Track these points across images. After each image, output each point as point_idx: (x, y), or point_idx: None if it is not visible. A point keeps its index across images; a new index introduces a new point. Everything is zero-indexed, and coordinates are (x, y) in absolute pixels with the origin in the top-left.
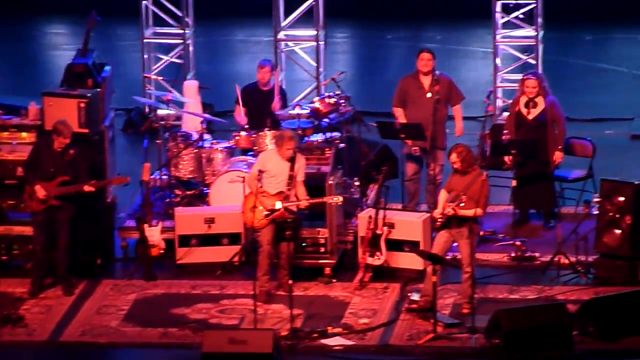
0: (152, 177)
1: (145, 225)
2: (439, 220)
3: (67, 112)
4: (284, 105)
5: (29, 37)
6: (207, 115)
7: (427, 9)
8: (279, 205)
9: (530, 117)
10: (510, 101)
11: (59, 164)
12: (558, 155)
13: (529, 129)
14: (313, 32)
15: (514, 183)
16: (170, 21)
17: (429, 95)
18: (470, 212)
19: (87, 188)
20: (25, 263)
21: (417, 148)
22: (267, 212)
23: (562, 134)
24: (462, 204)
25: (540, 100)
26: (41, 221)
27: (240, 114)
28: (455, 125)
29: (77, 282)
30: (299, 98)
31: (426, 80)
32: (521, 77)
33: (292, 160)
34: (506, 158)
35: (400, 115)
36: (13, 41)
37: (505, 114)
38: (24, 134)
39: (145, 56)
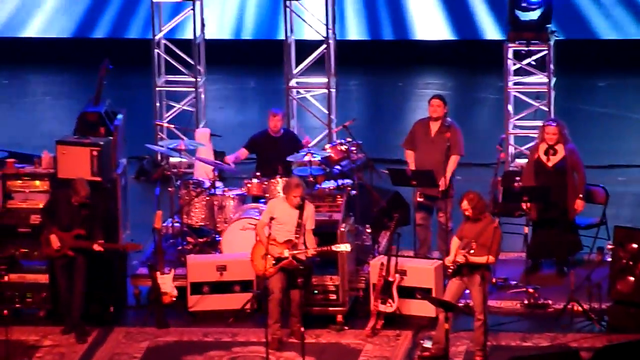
0: (164, 224)
1: (158, 273)
2: (451, 267)
3: (80, 160)
4: (298, 149)
5: (43, 85)
6: (219, 163)
7: (438, 56)
8: (286, 253)
9: (550, 164)
10: (526, 147)
11: (75, 217)
12: (579, 204)
13: (548, 177)
14: (324, 80)
15: (525, 230)
16: (182, 69)
17: (433, 141)
18: (482, 259)
19: (96, 247)
20: (38, 311)
21: (422, 197)
22: (274, 261)
23: (583, 182)
24: (472, 251)
25: (560, 148)
26: (61, 265)
27: (237, 156)
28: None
29: (90, 330)
30: (310, 145)
31: (434, 126)
32: (541, 124)
33: (301, 208)
34: (524, 205)
35: (409, 157)
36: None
37: (518, 160)
38: (37, 182)
39: (157, 104)
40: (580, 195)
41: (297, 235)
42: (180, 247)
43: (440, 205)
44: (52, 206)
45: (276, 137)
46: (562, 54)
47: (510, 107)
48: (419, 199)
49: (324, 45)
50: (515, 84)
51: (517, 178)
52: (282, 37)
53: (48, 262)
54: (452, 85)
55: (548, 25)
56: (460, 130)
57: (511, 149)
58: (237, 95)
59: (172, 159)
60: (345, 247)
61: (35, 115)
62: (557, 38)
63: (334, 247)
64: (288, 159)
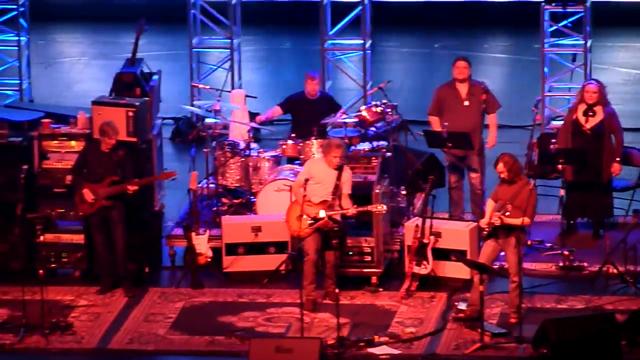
0: (199, 185)
1: (193, 234)
2: (486, 229)
3: (115, 120)
4: (336, 110)
5: (79, 45)
6: (254, 124)
7: (474, 17)
8: (322, 214)
9: (587, 126)
10: (561, 109)
11: (107, 164)
12: (616, 167)
13: (585, 138)
14: (360, 41)
15: (561, 192)
16: (218, 30)
17: (466, 103)
18: (517, 221)
19: (130, 187)
20: (74, 271)
21: (451, 158)
22: (311, 221)
23: (620, 146)
24: (507, 213)
25: (599, 110)
26: (97, 223)
27: (269, 116)
28: (489, 134)
29: (128, 289)
30: (346, 107)
31: (463, 88)
32: (582, 85)
33: (339, 169)
34: (559, 167)
35: (435, 124)
36: (63, 50)
37: (554, 122)
38: (73, 143)
39: (193, 65)
40: (618, 159)
41: (334, 197)
42: (215, 208)
43: (473, 167)
44: (81, 163)
45: (313, 100)
46: (598, 15)
47: (546, 69)
48: (449, 160)
49: (360, 6)
50: (551, 45)
51: (553, 140)
52: None
53: (84, 222)
54: (488, 47)
55: None
56: (487, 86)
57: (547, 111)
58: (273, 56)
59: (207, 120)
60: (382, 208)
61: (71, 76)
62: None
63: (371, 208)
64: (323, 121)
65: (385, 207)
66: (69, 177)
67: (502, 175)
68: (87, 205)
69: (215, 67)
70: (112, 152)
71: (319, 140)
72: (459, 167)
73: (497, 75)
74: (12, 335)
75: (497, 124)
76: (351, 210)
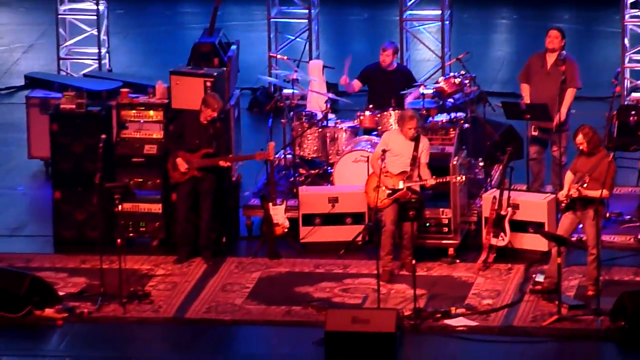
0: (276, 156)
1: (270, 204)
2: (564, 201)
3: (193, 90)
4: (409, 83)
5: (158, 16)
6: (331, 95)
7: None
8: (401, 185)
9: None
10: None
11: (203, 136)
12: None
13: None
14: (438, 12)
15: None
16: (296, 0)
17: (548, 73)
18: (596, 193)
19: (222, 163)
20: (152, 241)
21: (536, 130)
22: (389, 192)
23: None
24: (585, 185)
25: None
26: (185, 192)
27: (352, 86)
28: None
29: (208, 257)
30: (423, 78)
31: (551, 59)
32: None
33: (416, 140)
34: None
35: (524, 90)
36: (142, 20)
37: (634, 94)
38: (151, 112)
39: (271, 35)
40: None
41: (412, 168)
42: (292, 179)
43: (555, 139)
44: (178, 130)
45: (389, 71)
46: None
47: (626, 41)
48: (533, 133)
49: None
50: (632, 17)
51: (633, 112)
52: None
53: (163, 192)
54: (569, 18)
55: None
56: (576, 63)
57: (627, 83)
58: (351, 26)
59: (285, 91)
60: (460, 178)
61: (150, 46)
62: None
63: (450, 178)
64: (401, 93)
65: (464, 177)
66: (147, 147)
67: (581, 147)
68: (179, 174)
69: (293, 38)
70: (209, 124)
71: (396, 111)
72: (542, 139)
73: (578, 46)
74: (90, 303)
75: (572, 101)
76: (430, 181)
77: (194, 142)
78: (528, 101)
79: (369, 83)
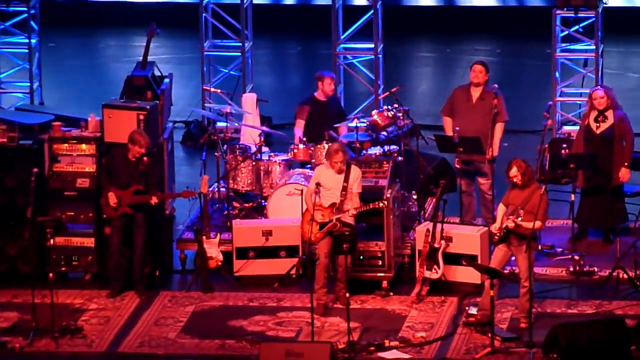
0: (210, 189)
1: (204, 238)
2: (497, 234)
3: (126, 124)
4: (342, 116)
5: (91, 49)
6: (265, 128)
7: (485, 22)
8: (331, 218)
9: (598, 131)
10: (573, 114)
11: (133, 173)
12: (624, 172)
13: (595, 144)
14: (371, 45)
15: (572, 197)
16: (229, 34)
17: (475, 107)
18: (529, 225)
19: (153, 201)
20: (84, 274)
21: (459, 164)
22: (320, 226)
23: (630, 150)
24: (519, 218)
25: (610, 114)
26: (118, 226)
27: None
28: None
29: (141, 291)
30: (356, 111)
31: (475, 93)
32: (589, 91)
33: (346, 171)
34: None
35: (447, 124)
36: (74, 53)
37: (565, 127)
38: (84, 146)
39: (204, 68)
40: (626, 164)
41: (342, 198)
42: (226, 212)
43: (483, 171)
44: (109, 165)
45: (323, 102)
46: (609, 21)
47: (557, 74)
48: (457, 166)
49: (371, 11)
50: (562, 50)
51: (564, 145)
52: (329, 1)
53: (95, 225)
54: (499, 52)
55: None
56: (502, 97)
57: (558, 116)
58: (284, 60)
59: (218, 124)
60: (384, 203)
61: (82, 79)
62: (605, 5)
63: (373, 205)
64: (339, 125)
65: (387, 202)
66: (79, 180)
67: (515, 180)
68: (111, 210)
69: (226, 71)
70: (138, 160)
71: (330, 144)
72: (469, 171)
73: (509, 79)
74: (22, 338)
75: (505, 130)
76: (351, 211)
77: (124, 179)
78: (450, 134)
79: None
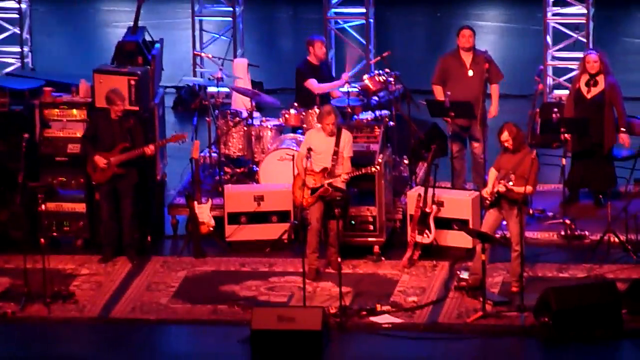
0: (201, 154)
1: (195, 203)
2: (489, 198)
3: (119, 88)
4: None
5: (81, 14)
6: (256, 93)
7: None
8: (323, 182)
9: (588, 96)
10: (564, 79)
11: (118, 132)
12: (623, 137)
13: (586, 108)
14: (363, 10)
15: (563, 162)
16: None
17: (470, 72)
18: (520, 190)
19: (148, 150)
20: (75, 240)
21: (453, 127)
22: (311, 190)
23: (622, 116)
24: (510, 183)
25: (601, 79)
26: (106, 191)
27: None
28: (491, 104)
29: (133, 256)
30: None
31: (467, 57)
32: (582, 55)
33: (337, 135)
34: (562, 137)
35: (438, 93)
36: (65, 18)
37: (556, 92)
38: (75, 111)
39: (196, 33)
40: (623, 129)
41: (333, 163)
42: (217, 177)
43: (476, 136)
44: (91, 131)
45: (316, 66)
46: None
47: (548, 38)
48: (451, 130)
49: None
50: (554, 14)
51: (555, 109)
52: None
53: (87, 191)
54: (491, 16)
55: None
56: (490, 57)
57: (549, 81)
58: (275, 24)
59: (209, 89)
60: (376, 168)
61: (73, 44)
62: None
63: (365, 169)
64: (333, 91)
65: (379, 167)
66: (71, 146)
67: (506, 144)
68: (100, 173)
69: (217, 36)
70: (122, 119)
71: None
72: (462, 136)
73: (500, 44)
74: (14, 303)
75: (500, 94)
76: (343, 175)
77: (110, 139)
78: (445, 98)
79: (298, 80)
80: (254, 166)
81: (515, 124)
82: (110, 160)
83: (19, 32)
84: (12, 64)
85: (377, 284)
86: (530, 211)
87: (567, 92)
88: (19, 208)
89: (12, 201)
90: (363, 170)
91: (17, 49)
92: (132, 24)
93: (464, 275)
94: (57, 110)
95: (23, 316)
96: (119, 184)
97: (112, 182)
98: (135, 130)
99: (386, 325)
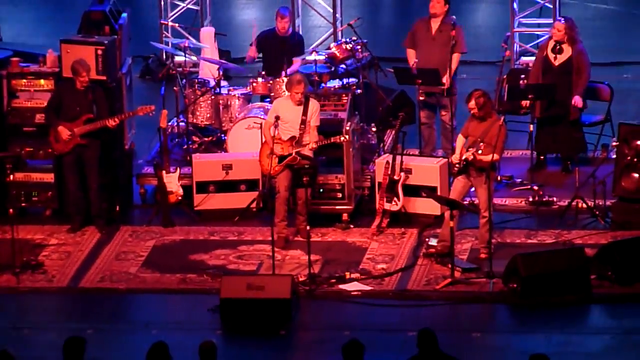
0: (169, 124)
1: (163, 172)
2: (457, 165)
3: (84, 59)
4: (302, 52)
5: None
6: (224, 62)
7: None
8: (290, 150)
9: (556, 62)
10: (530, 45)
11: (82, 102)
12: (577, 100)
13: (554, 75)
14: None
15: (530, 128)
16: None
17: (434, 38)
18: (487, 158)
19: (110, 122)
20: (44, 210)
21: (422, 95)
22: (279, 159)
23: (584, 83)
24: (480, 151)
25: (566, 48)
26: (70, 162)
27: (252, 54)
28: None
29: (102, 226)
30: (315, 44)
31: (434, 24)
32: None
33: (305, 104)
34: (525, 102)
35: (411, 56)
36: None
37: (523, 58)
38: (42, 82)
39: (162, 2)
40: (579, 92)
41: (301, 132)
42: (185, 146)
43: (443, 103)
44: (55, 101)
45: (283, 37)
46: None
47: (515, 5)
48: (420, 98)
49: None
50: None
51: (522, 76)
52: None
53: (55, 161)
54: None
55: None
56: (462, 28)
57: (516, 47)
58: None
59: (177, 58)
60: (345, 137)
61: (39, 14)
62: None
63: (334, 139)
64: (294, 59)
65: (347, 136)
66: (38, 116)
67: (474, 112)
68: (62, 144)
69: (184, 5)
70: (86, 90)
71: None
72: (430, 103)
73: (467, 11)
74: None
75: (460, 61)
76: (311, 144)
77: (74, 110)
78: (412, 65)
79: (264, 49)
80: (222, 135)
81: (484, 91)
82: (74, 131)
83: None
84: None
85: (346, 251)
86: (499, 178)
87: (533, 58)
88: None
89: None
90: (332, 140)
91: None
92: None
93: (433, 242)
94: (24, 80)
95: None
96: (83, 155)
97: (75, 152)
98: (100, 101)
99: (355, 293)
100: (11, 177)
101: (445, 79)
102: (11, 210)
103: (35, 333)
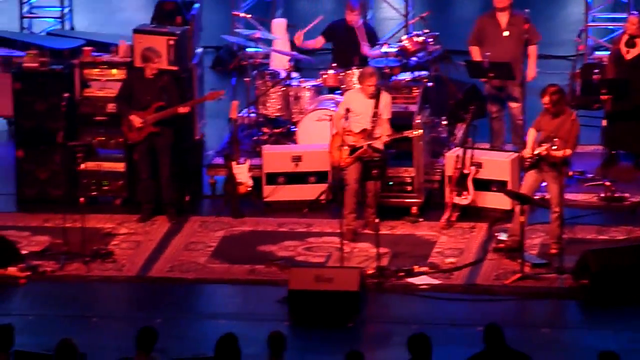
0: (240, 114)
1: (233, 163)
2: (528, 160)
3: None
4: (373, 44)
5: None
6: (295, 53)
7: None
8: (362, 143)
9: (628, 56)
10: (605, 40)
11: (153, 91)
12: None
13: (626, 69)
14: None
15: (604, 123)
16: None
17: (505, 33)
18: (559, 153)
19: (182, 109)
20: (115, 199)
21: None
22: (350, 150)
23: None
24: (554, 147)
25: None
26: (143, 151)
27: (314, 42)
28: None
29: (172, 216)
30: (387, 37)
31: (503, 18)
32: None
33: (376, 97)
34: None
35: (475, 54)
36: None
37: (597, 53)
38: (114, 71)
39: None
40: None
41: (373, 125)
42: (255, 138)
43: (515, 95)
44: (126, 91)
45: (354, 28)
46: None
47: None
48: (488, 90)
49: None
50: None
51: (596, 70)
52: None
53: (126, 150)
54: None
55: None
56: (528, 17)
57: (590, 41)
58: None
59: (248, 49)
60: (418, 132)
61: (113, 4)
62: None
63: (406, 133)
64: (366, 50)
65: (421, 130)
66: (110, 105)
67: (548, 107)
68: (135, 133)
69: None
70: (156, 78)
71: (360, 69)
72: (500, 97)
73: (541, 5)
74: (53, 262)
75: (538, 55)
76: (384, 137)
77: (145, 98)
78: (484, 59)
79: (334, 41)
80: (292, 127)
81: (559, 86)
82: (146, 118)
83: None
84: (52, 24)
85: (415, 245)
86: (570, 173)
87: (607, 53)
88: (59, 167)
89: (51, 160)
90: (405, 133)
91: (57, 8)
92: None
93: (503, 236)
94: (96, 69)
95: (62, 275)
96: (156, 143)
97: (148, 141)
98: (170, 88)
99: (424, 287)
100: (82, 166)
101: (529, 71)
102: (82, 199)
103: (104, 322)
